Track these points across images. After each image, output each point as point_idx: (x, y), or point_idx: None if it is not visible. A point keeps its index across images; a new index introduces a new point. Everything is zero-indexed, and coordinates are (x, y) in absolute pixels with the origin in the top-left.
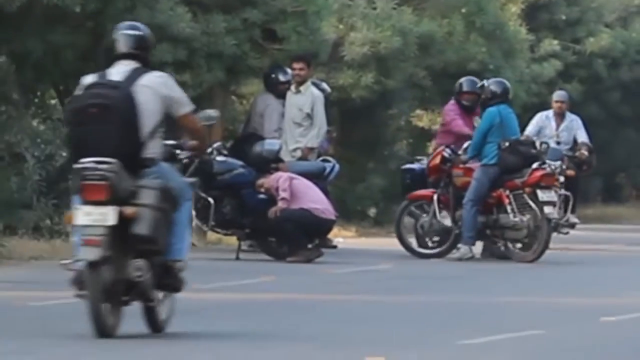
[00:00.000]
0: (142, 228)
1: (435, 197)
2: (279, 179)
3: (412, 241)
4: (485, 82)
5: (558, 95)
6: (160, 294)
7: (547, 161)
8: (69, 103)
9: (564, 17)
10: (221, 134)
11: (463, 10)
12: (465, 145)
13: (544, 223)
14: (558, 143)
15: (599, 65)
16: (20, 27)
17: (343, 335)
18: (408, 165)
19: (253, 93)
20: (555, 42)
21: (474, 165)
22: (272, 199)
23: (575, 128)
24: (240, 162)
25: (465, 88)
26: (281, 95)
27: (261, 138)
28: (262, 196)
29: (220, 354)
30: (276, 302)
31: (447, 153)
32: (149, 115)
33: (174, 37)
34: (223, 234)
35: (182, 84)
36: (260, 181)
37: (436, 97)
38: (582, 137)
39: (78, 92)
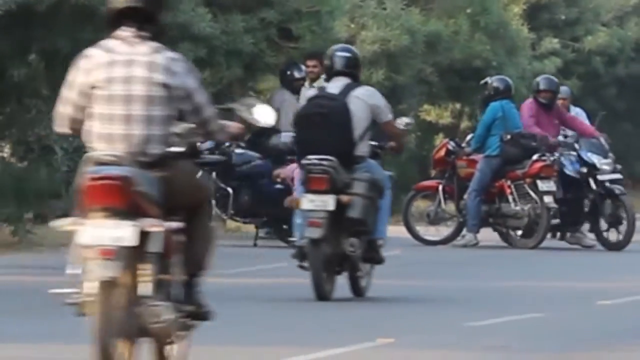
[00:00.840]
0: (355, 212)
1: (440, 187)
2: (295, 170)
3: (419, 229)
4: (488, 79)
5: (560, 91)
6: (365, 266)
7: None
8: (297, 111)
9: (563, 17)
10: (240, 127)
11: (468, 11)
12: (468, 137)
13: (543, 211)
14: (565, 136)
15: (597, 62)
16: (49, 26)
17: (355, 317)
18: None
19: (270, 89)
20: (555, 40)
21: (477, 157)
22: (287, 189)
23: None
24: (257, 154)
25: (542, 87)
26: (296, 91)
27: (277, 131)
28: (278, 186)
29: (239, 332)
30: (291, 286)
31: (451, 146)
32: (360, 121)
33: (195, 36)
34: (241, 222)
35: (203, 80)
36: (277, 172)
37: (443, 92)
38: None
39: (303, 102)
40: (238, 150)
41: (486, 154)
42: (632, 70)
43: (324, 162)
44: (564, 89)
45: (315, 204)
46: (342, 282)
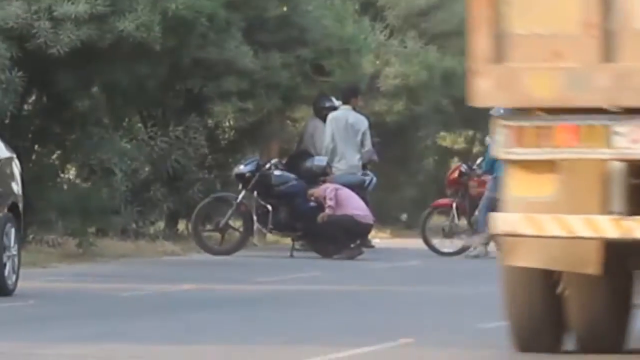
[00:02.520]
0: None
1: (454, 205)
2: (327, 190)
3: (436, 242)
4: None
5: None
6: None
7: None
8: None
9: None
10: (278, 152)
11: None
12: (479, 161)
13: None
14: None
15: None
16: (110, 61)
17: (379, 320)
18: None
19: (304, 117)
20: None
21: (487, 178)
22: (320, 206)
23: None
24: (294, 176)
25: None
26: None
27: (311, 155)
28: (312, 204)
29: (272, 333)
30: (323, 293)
31: (463, 168)
32: None
33: (239, 70)
34: (280, 235)
35: (245, 110)
36: (311, 191)
37: (457, 121)
38: None
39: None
40: (277, 172)
41: (495, 175)
42: None
43: None
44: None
45: None
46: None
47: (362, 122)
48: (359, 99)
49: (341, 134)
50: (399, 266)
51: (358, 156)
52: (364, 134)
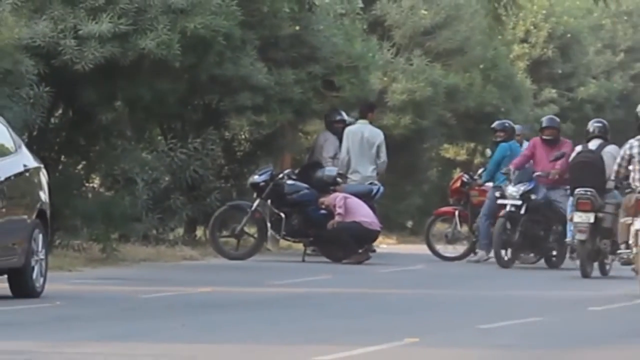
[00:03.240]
0: (607, 223)
1: (456, 212)
2: (336, 198)
3: (439, 247)
4: (495, 124)
5: (517, 129)
6: (610, 257)
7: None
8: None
9: (560, 71)
10: (290, 163)
11: (481, 66)
12: (479, 171)
13: None
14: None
15: (588, 109)
16: (132, 77)
17: (386, 321)
18: None
19: (315, 131)
20: (553, 90)
21: (487, 187)
22: (330, 214)
23: None
24: (305, 185)
25: (545, 124)
26: (337, 132)
27: (322, 166)
28: (323, 211)
29: (284, 332)
30: (333, 295)
31: (465, 178)
32: (608, 168)
33: (253, 86)
34: (292, 241)
35: (260, 124)
36: (322, 199)
37: (460, 133)
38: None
39: (575, 154)
40: (289, 182)
41: (495, 184)
42: (617, 116)
43: (588, 193)
44: (517, 127)
45: (582, 218)
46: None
47: (378, 136)
48: (374, 113)
49: (356, 148)
50: (404, 270)
51: (372, 167)
52: (379, 146)
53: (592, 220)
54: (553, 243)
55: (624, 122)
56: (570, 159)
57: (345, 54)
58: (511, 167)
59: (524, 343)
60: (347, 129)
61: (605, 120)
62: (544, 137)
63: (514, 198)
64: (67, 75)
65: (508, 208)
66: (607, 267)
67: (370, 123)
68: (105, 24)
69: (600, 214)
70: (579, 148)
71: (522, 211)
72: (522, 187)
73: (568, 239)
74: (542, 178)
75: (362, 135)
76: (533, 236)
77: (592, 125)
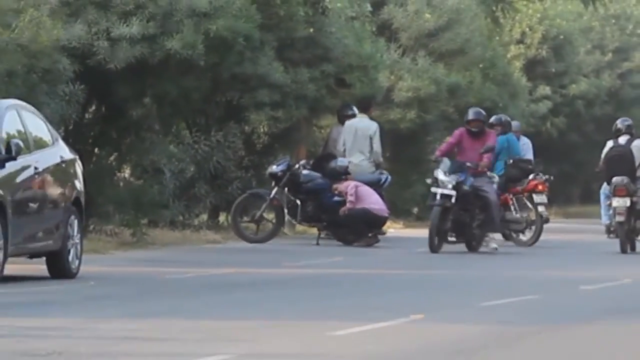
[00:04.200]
0: None
1: None
2: (348, 186)
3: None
4: (493, 119)
5: (513, 126)
6: None
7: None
8: (607, 152)
9: (553, 70)
10: (305, 154)
11: (480, 66)
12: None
13: (538, 218)
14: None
15: (579, 104)
16: (160, 76)
17: (394, 299)
18: None
19: (329, 124)
20: (547, 87)
21: None
22: (342, 201)
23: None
24: (319, 174)
25: (470, 117)
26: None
27: (335, 157)
28: (335, 199)
29: (306, 308)
30: (345, 275)
31: None
32: (637, 159)
33: (271, 84)
34: (307, 226)
35: (277, 118)
36: (335, 186)
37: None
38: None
39: (607, 149)
40: (305, 172)
41: (494, 174)
42: (606, 111)
43: (624, 181)
44: (515, 124)
45: (620, 203)
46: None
47: (370, 127)
48: (372, 109)
49: (350, 139)
50: (410, 252)
51: (362, 157)
52: (371, 137)
53: (628, 204)
54: (476, 229)
55: (612, 117)
56: (604, 153)
57: (356, 54)
58: (437, 153)
59: (522, 319)
60: (346, 123)
61: (595, 115)
62: (470, 128)
63: (447, 188)
64: (101, 74)
65: (439, 197)
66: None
67: (371, 118)
68: (135, 26)
69: (634, 198)
70: (610, 143)
71: (454, 200)
72: (455, 177)
73: (606, 222)
74: (472, 169)
75: (357, 127)
76: (461, 223)
77: (621, 124)
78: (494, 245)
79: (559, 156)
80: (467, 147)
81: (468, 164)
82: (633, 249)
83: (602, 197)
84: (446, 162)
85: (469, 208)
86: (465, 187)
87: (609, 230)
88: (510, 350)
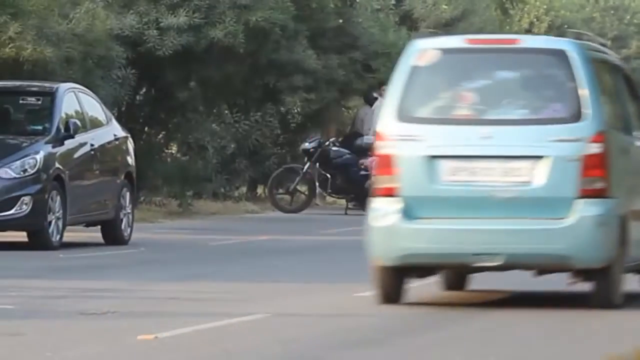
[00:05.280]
0: None
1: None
2: (373, 161)
3: None
4: None
5: None
6: None
7: None
8: None
9: None
10: (335, 132)
11: None
12: None
13: None
14: None
15: None
16: (204, 61)
17: None
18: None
19: (356, 106)
20: None
21: None
22: (368, 175)
23: None
24: (347, 151)
25: None
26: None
27: (361, 135)
28: (362, 173)
29: (335, 272)
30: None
31: None
32: None
33: (305, 69)
34: (336, 197)
35: (309, 100)
36: (361, 161)
37: None
38: None
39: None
40: (334, 148)
41: None
42: None
43: None
44: None
45: None
46: None
47: None
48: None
49: (376, 120)
50: None
51: None
52: None
53: None
54: None
55: None
56: None
57: (380, 42)
58: None
59: (536, 282)
60: (375, 104)
61: None
62: None
63: None
64: (150, 60)
65: None
66: None
67: None
68: (182, 17)
69: None
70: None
71: None
72: None
73: None
74: None
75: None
76: None
77: None
78: None
79: None
80: None
81: None
82: None
83: None
84: None
85: None
86: None
87: None
88: (521, 310)
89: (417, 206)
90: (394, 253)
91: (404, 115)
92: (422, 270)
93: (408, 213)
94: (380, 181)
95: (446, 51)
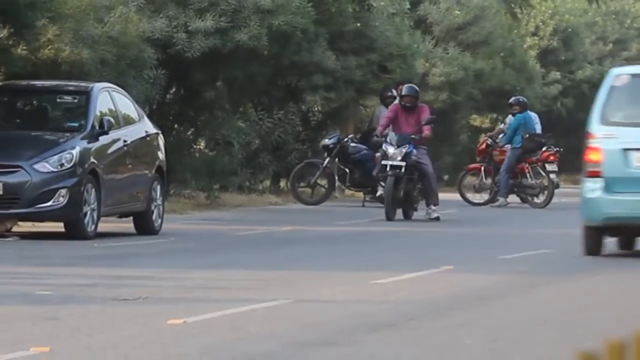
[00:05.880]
0: None
1: (482, 168)
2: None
3: (469, 195)
4: (512, 99)
5: (520, 100)
6: None
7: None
8: None
9: (563, 58)
10: (353, 129)
11: (501, 54)
12: (500, 136)
13: (550, 184)
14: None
15: (585, 87)
16: (230, 63)
17: (426, 252)
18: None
19: (373, 105)
20: (558, 73)
21: (507, 148)
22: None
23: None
24: (365, 147)
25: (404, 92)
26: (389, 106)
27: None
28: None
29: (353, 261)
30: (386, 233)
31: (489, 141)
32: None
33: (324, 70)
34: (355, 190)
35: (329, 99)
36: (378, 156)
37: (485, 106)
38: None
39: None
40: (352, 144)
41: (512, 146)
42: None
43: None
44: (518, 98)
45: None
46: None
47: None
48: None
49: None
50: (441, 213)
51: None
52: None
53: None
54: (417, 197)
55: None
56: None
57: (396, 45)
58: (380, 129)
59: (536, 270)
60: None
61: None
62: (404, 103)
63: (396, 159)
64: (180, 61)
65: (389, 169)
66: None
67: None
68: (209, 21)
69: None
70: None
71: (403, 170)
72: (404, 150)
73: None
74: (416, 140)
75: None
76: (408, 192)
77: None
78: (435, 215)
79: (568, 131)
80: (401, 121)
81: (413, 136)
82: None
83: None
84: (393, 136)
85: (412, 177)
86: (414, 158)
87: None
88: (525, 296)
89: (615, 184)
90: (598, 217)
91: (606, 120)
92: (614, 230)
93: (608, 188)
94: (589, 166)
95: (634, 76)
